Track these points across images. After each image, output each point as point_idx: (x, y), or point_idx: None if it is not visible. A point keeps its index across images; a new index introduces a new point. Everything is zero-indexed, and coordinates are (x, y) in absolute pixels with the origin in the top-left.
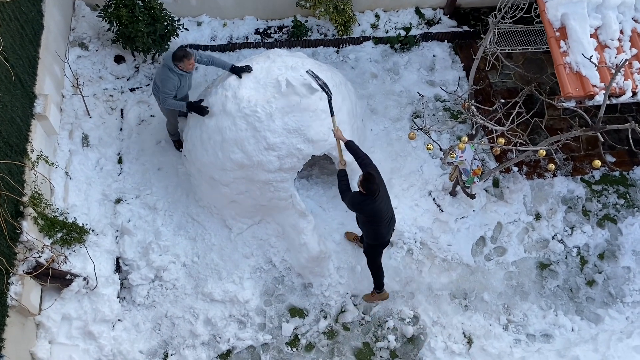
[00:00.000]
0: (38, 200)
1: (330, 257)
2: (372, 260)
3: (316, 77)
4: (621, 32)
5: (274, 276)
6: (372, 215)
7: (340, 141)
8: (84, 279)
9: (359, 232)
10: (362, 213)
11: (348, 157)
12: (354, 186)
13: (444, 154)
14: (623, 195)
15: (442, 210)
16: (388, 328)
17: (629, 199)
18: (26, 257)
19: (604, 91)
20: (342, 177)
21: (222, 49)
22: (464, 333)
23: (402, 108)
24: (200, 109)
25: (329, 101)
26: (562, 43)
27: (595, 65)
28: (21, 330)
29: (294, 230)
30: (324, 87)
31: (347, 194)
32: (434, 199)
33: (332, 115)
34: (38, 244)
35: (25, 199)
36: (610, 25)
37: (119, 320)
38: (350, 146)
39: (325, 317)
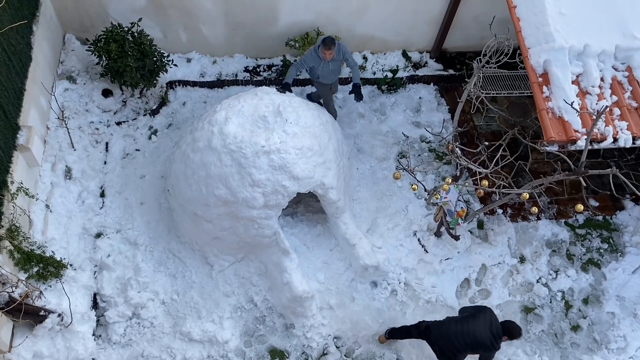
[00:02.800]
0: (15, 233)
1: (313, 297)
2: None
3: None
4: (602, 79)
5: (255, 316)
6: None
7: None
8: (59, 315)
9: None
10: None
11: None
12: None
13: (428, 194)
14: (606, 239)
15: (426, 251)
16: None
17: (613, 243)
18: None
19: (585, 136)
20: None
21: (210, 85)
22: None
23: (388, 148)
24: (285, 87)
25: None
26: (544, 88)
27: (577, 111)
28: None
29: (277, 268)
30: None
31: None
32: (418, 240)
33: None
34: (12, 278)
35: (1, 231)
36: (591, 73)
37: (93, 359)
38: None
39: None
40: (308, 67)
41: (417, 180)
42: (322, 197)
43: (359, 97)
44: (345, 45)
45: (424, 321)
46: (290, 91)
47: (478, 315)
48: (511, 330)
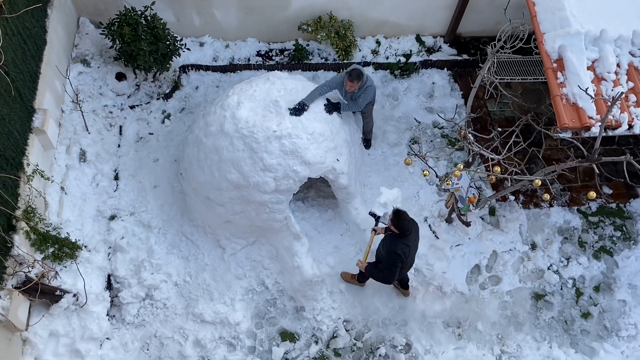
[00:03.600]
0: (31, 215)
1: (323, 281)
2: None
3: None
4: (618, 65)
5: (266, 298)
6: (408, 256)
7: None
8: (74, 295)
9: (351, 270)
10: (401, 260)
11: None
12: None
13: (440, 180)
14: (619, 227)
15: (437, 237)
16: (380, 355)
17: (626, 231)
18: (16, 272)
19: (600, 123)
20: (372, 271)
21: (223, 69)
22: None
23: (400, 133)
24: (300, 106)
25: (376, 218)
26: (559, 74)
27: (592, 98)
28: (7, 346)
29: (288, 252)
30: (329, 106)
31: (382, 271)
32: (429, 226)
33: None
34: (29, 258)
35: (18, 212)
36: (607, 58)
37: (107, 338)
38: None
39: (316, 342)
40: (333, 88)
41: (429, 166)
42: (333, 183)
43: (329, 108)
44: (370, 89)
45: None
46: (302, 112)
47: (413, 233)
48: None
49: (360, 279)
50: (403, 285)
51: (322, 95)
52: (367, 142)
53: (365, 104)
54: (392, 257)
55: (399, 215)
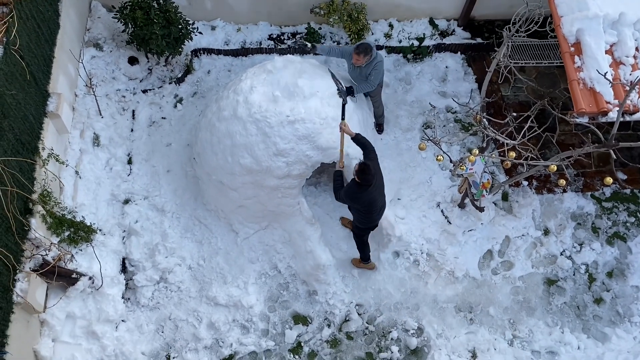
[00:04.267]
0: (47, 198)
1: (335, 265)
2: (359, 239)
3: (336, 80)
4: (637, 49)
5: (279, 282)
6: (366, 204)
7: (345, 141)
8: (90, 278)
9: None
10: (357, 203)
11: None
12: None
13: (453, 165)
14: (634, 213)
15: (450, 222)
16: (392, 339)
17: None
18: (33, 255)
19: (617, 108)
20: (338, 177)
21: (235, 53)
22: (468, 347)
23: (413, 118)
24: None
25: (343, 106)
26: (576, 58)
27: (610, 82)
28: (25, 327)
29: (301, 237)
30: (341, 91)
31: (340, 190)
32: (442, 211)
33: (343, 119)
34: (45, 241)
35: (34, 196)
36: (625, 42)
37: (122, 320)
38: (359, 139)
39: (329, 326)
40: (343, 56)
41: (443, 151)
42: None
43: (342, 94)
44: (381, 64)
45: None
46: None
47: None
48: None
49: (363, 257)
50: (364, 259)
51: (329, 55)
52: (379, 127)
53: (377, 82)
54: (347, 199)
55: (363, 170)
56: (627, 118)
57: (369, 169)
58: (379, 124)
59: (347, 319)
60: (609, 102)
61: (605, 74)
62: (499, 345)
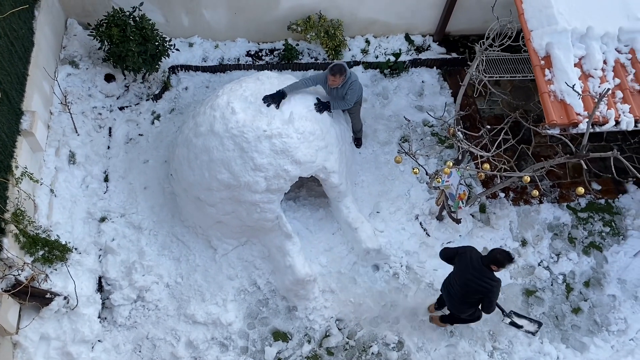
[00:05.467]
0: (20, 217)
1: (315, 280)
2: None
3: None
4: (604, 62)
5: (258, 299)
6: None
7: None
8: (65, 298)
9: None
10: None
11: None
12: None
13: (429, 178)
14: (609, 223)
15: (428, 235)
16: (372, 353)
17: (615, 227)
18: (5, 275)
19: (587, 119)
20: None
21: (213, 70)
22: None
23: (391, 132)
24: (277, 95)
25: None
26: (547, 71)
27: (579, 94)
28: None
29: (280, 252)
30: (319, 105)
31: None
32: (420, 223)
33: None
34: (18, 261)
35: (7, 215)
36: (593, 55)
37: (99, 340)
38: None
39: (309, 342)
40: (316, 83)
41: (419, 164)
42: (324, 181)
43: (319, 107)
44: (356, 83)
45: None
46: (279, 102)
47: (459, 258)
48: (495, 257)
49: (444, 319)
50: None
51: (303, 89)
52: (357, 141)
53: (354, 101)
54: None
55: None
56: (597, 129)
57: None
58: (357, 139)
59: (327, 334)
60: (579, 114)
61: (573, 86)
62: (479, 357)
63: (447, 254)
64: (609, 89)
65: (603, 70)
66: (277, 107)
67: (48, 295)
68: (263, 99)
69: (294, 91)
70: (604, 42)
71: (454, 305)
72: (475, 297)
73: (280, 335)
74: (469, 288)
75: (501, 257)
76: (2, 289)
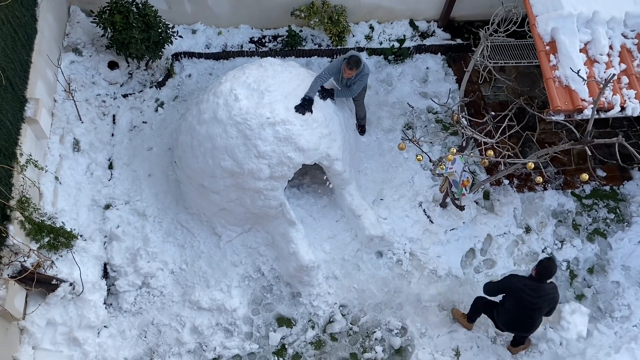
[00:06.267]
0: (25, 204)
1: (319, 266)
2: (482, 308)
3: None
4: (610, 47)
5: (263, 285)
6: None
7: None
8: (70, 284)
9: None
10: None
11: None
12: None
13: (433, 165)
14: (613, 209)
15: (432, 222)
16: (376, 339)
17: (619, 213)
18: (11, 261)
19: (592, 105)
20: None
21: (216, 57)
22: (451, 345)
23: (394, 119)
24: (308, 102)
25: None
26: (551, 57)
27: (584, 80)
28: (4, 335)
29: (284, 239)
30: (322, 92)
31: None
32: (424, 210)
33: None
34: (24, 248)
35: (12, 202)
36: (599, 40)
37: (104, 326)
38: None
39: (313, 327)
40: (331, 75)
41: (423, 151)
42: (328, 169)
43: (322, 94)
44: (367, 77)
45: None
46: (310, 107)
47: (511, 295)
48: (550, 271)
49: (470, 317)
50: (470, 319)
51: (323, 84)
52: (361, 128)
53: (358, 92)
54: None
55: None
56: (602, 115)
57: (551, 262)
58: (361, 126)
59: (331, 320)
60: (584, 100)
61: (578, 71)
62: (482, 342)
63: (491, 292)
64: (614, 75)
65: (609, 55)
66: (311, 112)
67: (54, 282)
68: (297, 111)
69: (316, 91)
70: (610, 27)
71: (530, 330)
72: (546, 310)
73: (284, 321)
74: (541, 311)
75: (554, 269)
76: (8, 275)
